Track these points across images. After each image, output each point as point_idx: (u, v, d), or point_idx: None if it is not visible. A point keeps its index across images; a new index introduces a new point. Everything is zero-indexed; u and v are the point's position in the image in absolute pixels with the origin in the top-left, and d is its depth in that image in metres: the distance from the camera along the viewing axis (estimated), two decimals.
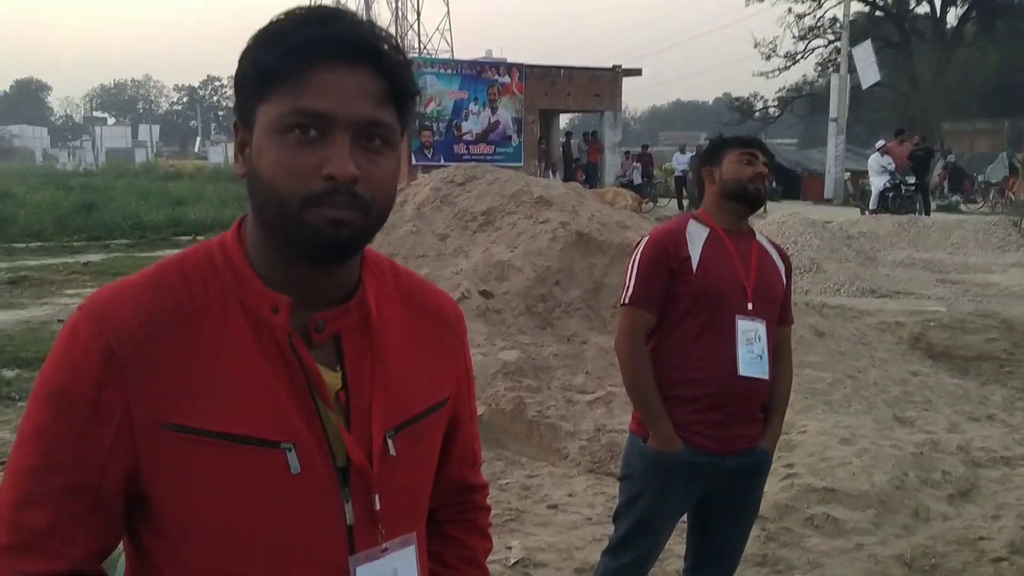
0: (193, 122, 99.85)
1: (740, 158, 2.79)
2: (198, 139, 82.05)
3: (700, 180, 2.90)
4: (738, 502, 2.84)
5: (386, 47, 1.09)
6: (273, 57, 1.06)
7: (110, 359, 1.06)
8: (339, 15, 1.09)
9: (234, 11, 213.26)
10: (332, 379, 1.15)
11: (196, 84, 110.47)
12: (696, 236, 2.77)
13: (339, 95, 1.06)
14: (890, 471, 4.82)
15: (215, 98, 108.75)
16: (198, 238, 18.98)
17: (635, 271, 2.77)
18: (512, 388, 5.91)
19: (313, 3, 1.14)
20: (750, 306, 2.74)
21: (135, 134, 75.26)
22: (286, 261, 1.12)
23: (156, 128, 74.40)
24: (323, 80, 1.06)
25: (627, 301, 2.77)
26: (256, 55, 1.08)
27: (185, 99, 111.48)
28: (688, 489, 2.77)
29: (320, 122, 1.06)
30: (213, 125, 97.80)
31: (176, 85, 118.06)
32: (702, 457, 2.71)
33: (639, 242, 2.86)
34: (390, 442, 1.18)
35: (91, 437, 1.06)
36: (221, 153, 56.27)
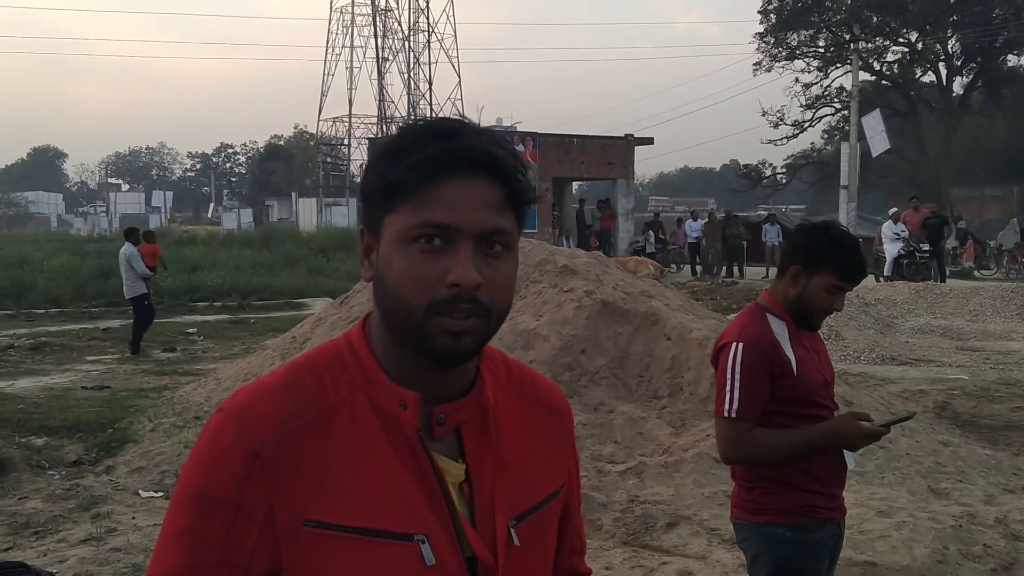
0: (206, 188, 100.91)
1: (833, 288, 2.72)
2: (211, 205, 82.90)
3: (785, 263, 2.82)
4: (834, 562, 2.91)
5: (503, 156, 1.14)
6: (400, 171, 1.11)
7: (254, 460, 1.09)
8: (461, 128, 1.15)
9: (246, 80, 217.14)
10: (456, 471, 1.18)
11: (209, 151, 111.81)
12: (781, 334, 2.73)
13: (462, 206, 1.10)
14: (930, 544, 4.79)
15: (228, 165, 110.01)
16: (215, 304, 19.09)
17: (737, 380, 2.67)
18: None
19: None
20: (834, 400, 2.80)
21: (149, 200, 76.03)
22: (411, 360, 1.16)
23: (170, 194, 75.09)
24: (447, 192, 1.10)
25: (733, 414, 2.66)
26: (384, 168, 1.13)
27: (198, 166, 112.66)
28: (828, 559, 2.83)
29: (444, 232, 1.10)
30: (226, 191, 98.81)
31: (190, 152, 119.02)
32: (835, 528, 2.80)
33: (726, 347, 2.76)
34: (513, 532, 1.20)
35: (236, 537, 1.09)
36: (234, 219, 56.75)
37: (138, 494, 6.25)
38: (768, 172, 51.03)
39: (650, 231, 27.96)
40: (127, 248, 13.24)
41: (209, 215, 74.83)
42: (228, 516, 1.09)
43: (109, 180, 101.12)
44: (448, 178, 1.11)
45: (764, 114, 47.85)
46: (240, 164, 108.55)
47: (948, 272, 21.63)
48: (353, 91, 59.17)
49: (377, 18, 56.47)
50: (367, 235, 1.19)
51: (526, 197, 1.17)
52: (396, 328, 1.14)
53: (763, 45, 47.34)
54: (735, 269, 25.64)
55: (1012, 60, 46.80)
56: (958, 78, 47.84)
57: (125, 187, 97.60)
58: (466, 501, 1.18)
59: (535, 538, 1.25)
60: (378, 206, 1.14)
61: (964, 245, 29.31)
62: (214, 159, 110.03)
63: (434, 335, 1.10)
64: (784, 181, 51.20)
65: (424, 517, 1.13)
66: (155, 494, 6.25)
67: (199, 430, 6.32)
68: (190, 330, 15.15)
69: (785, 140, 48.32)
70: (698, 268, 26.65)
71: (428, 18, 57.20)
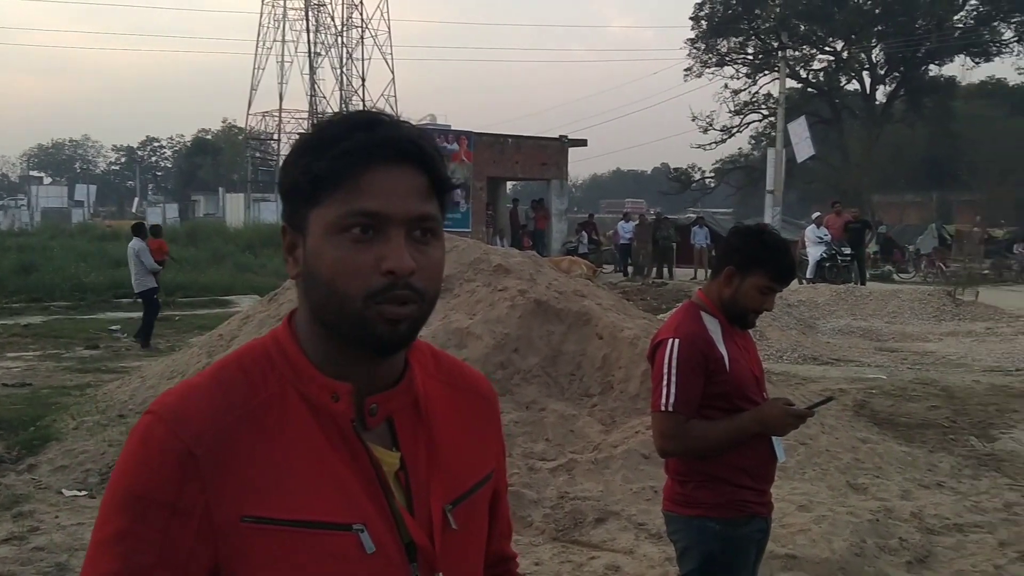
0: (131, 182, 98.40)
1: (765, 289, 2.81)
2: (136, 199, 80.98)
3: (719, 264, 2.91)
4: (760, 556, 2.98)
5: (426, 145, 1.16)
6: (326, 163, 1.11)
7: (187, 459, 1.08)
8: (381, 118, 1.16)
9: (174, 72, 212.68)
10: (391, 459, 1.20)
11: (135, 144, 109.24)
12: (715, 332, 2.81)
13: (390, 194, 1.12)
14: (849, 538, 4.95)
15: (153, 159, 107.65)
16: (138, 301, 18.68)
17: (673, 376, 2.75)
18: None
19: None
20: (765, 395, 2.89)
21: (72, 194, 73.86)
22: (342, 352, 1.17)
23: (93, 188, 73.00)
24: (375, 181, 1.11)
25: (670, 408, 2.74)
26: (308, 162, 1.13)
27: (123, 159, 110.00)
28: (755, 552, 2.89)
29: (375, 220, 1.11)
30: (151, 186, 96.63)
31: (114, 145, 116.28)
32: (763, 523, 2.89)
33: (663, 343, 2.83)
34: (450, 516, 1.23)
35: (172, 538, 1.08)
36: (159, 214, 55.50)
37: (61, 493, 6.12)
38: (697, 176, 51.84)
39: (583, 232, 28.22)
40: (135, 242, 13.35)
41: (134, 210, 72.87)
42: (163, 517, 1.08)
43: (31, 173, 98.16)
44: (375, 167, 1.12)
45: (694, 119, 48.66)
46: (166, 158, 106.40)
47: (868, 275, 22.25)
48: (284, 85, 58.32)
49: (309, 12, 55.81)
50: (290, 232, 1.19)
51: (449, 184, 1.19)
52: (330, 321, 1.15)
53: (694, 51, 48.19)
54: (665, 270, 26.05)
55: (933, 70, 48.31)
56: (881, 87, 49.28)
57: (47, 180, 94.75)
58: (403, 489, 1.20)
59: (470, 521, 1.27)
60: (302, 201, 1.15)
61: (891, 252, 30.13)
62: (139, 152, 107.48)
63: (373, 323, 1.12)
64: (712, 185, 52.05)
65: (362, 506, 1.15)
66: (79, 493, 6.12)
67: (123, 428, 6.17)
68: (113, 327, 14.82)
69: (714, 145, 49.23)
70: (629, 269, 26.97)
71: (362, 14, 56.67)
